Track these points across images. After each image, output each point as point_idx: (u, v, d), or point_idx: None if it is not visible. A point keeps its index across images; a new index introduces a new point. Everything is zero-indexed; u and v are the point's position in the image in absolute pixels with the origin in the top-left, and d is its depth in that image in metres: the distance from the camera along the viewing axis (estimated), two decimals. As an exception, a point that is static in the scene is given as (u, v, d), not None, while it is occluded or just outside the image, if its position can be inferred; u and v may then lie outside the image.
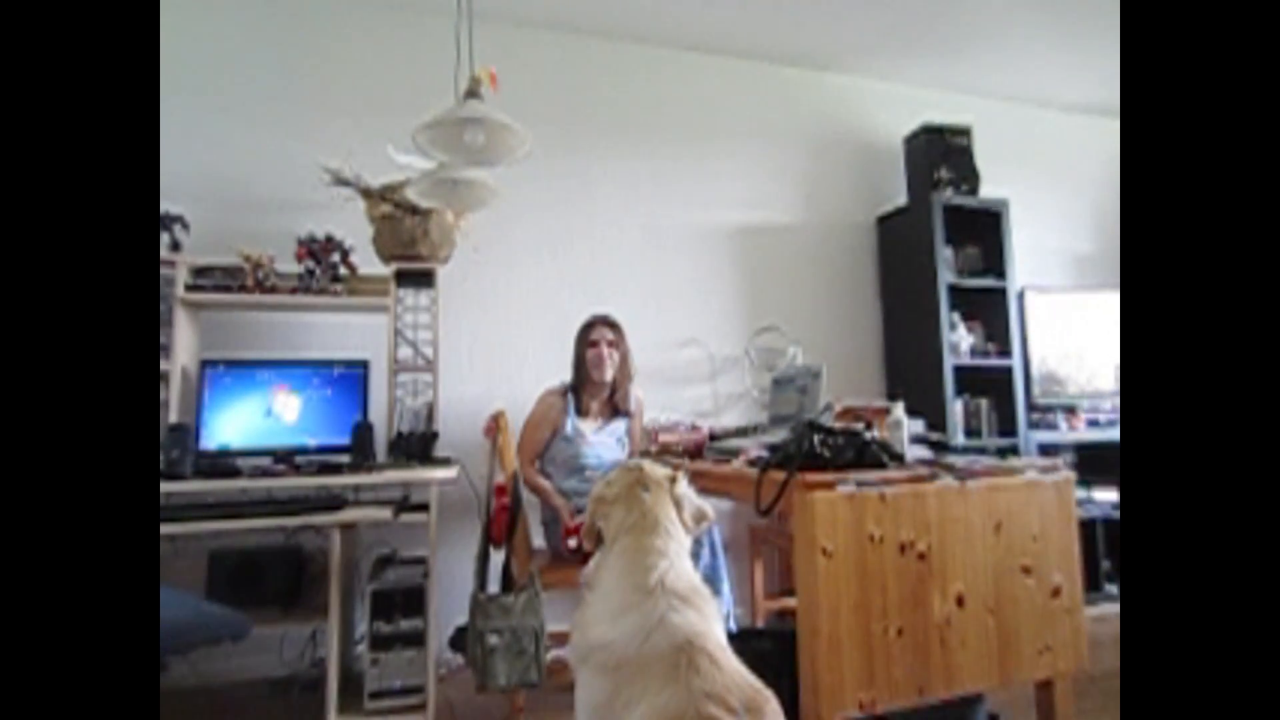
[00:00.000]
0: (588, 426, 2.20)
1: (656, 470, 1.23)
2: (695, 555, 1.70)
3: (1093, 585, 2.71)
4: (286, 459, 2.00)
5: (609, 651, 0.92)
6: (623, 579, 1.01)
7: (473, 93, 1.48)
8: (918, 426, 1.77)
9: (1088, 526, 2.77)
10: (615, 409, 2.26)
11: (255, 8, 2.51)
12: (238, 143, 2.43)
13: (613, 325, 2.23)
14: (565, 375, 2.27)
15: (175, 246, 2.12)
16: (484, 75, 1.51)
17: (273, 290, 2.13)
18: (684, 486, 1.22)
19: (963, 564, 1.45)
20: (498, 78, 1.64)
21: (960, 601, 1.44)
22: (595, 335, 2.20)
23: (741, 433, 2.28)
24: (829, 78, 3.23)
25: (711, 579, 1.88)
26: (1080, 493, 2.72)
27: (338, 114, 2.52)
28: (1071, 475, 1.61)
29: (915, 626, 1.39)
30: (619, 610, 0.97)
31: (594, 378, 2.18)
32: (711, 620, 0.97)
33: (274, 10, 2.53)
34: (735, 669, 0.91)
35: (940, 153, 2.96)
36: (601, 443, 2.19)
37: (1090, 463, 3.00)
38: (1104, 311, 3.21)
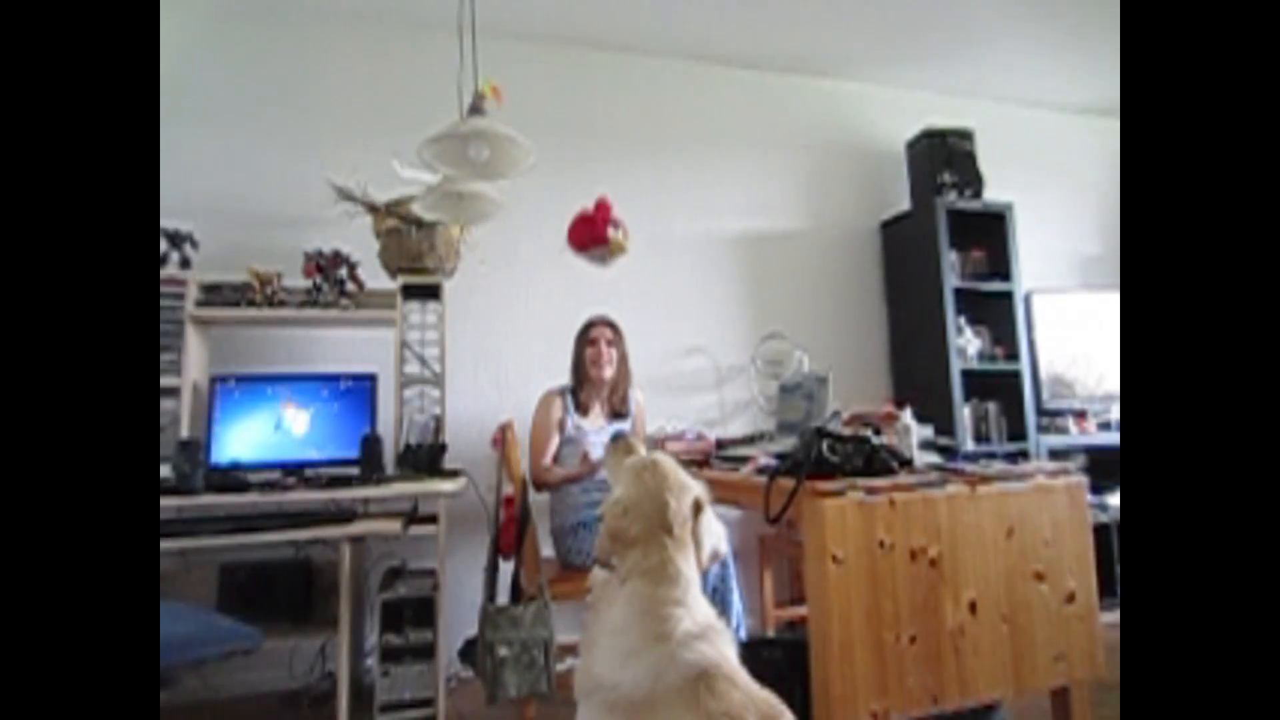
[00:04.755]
0: (590, 425, 2.21)
1: (683, 506, 1.09)
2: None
3: (1108, 591, 2.67)
4: (296, 472, 2.01)
5: (616, 693, 0.90)
6: (635, 624, 0.96)
7: (476, 107, 1.49)
8: (926, 432, 1.76)
9: (1101, 531, 2.74)
10: (615, 410, 2.26)
11: (261, 27, 2.55)
12: (245, 161, 2.47)
13: (611, 325, 2.25)
14: (568, 380, 2.28)
15: (185, 264, 2.14)
16: (487, 89, 1.53)
17: (281, 306, 2.15)
18: (707, 520, 1.13)
19: (975, 570, 1.44)
20: (501, 91, 1.66)
21: (973, 608, 1.42)
22: (595, 334, 2.21)
23: (749, 441, 2.27)
24: (830, 84, 3.24)
25: (721, 589, 1.87)
26: (1092, 497, 2.70)
27: (343, 130, 2.55)
28: (1083, 479, 1.60)
29: (928, 634, 1.38)
30: (630, 652, 0.93)
31: (593, 376, 2.19)
32: (725, 649, 0.96)
33: (280, 30, 2.57)
34: (750, 686, 0.91)
35: (943, 157, 2.96)
36: (604, 442, 2.19)
37: (1102, 467, 2.97)
38: (1112, 313, 3.19)
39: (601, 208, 2.07)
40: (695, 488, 1.13)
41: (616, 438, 1.37)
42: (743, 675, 0.92)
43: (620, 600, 1.01)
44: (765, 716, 0.87)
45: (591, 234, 2.06)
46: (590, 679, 0.95)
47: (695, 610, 0.99)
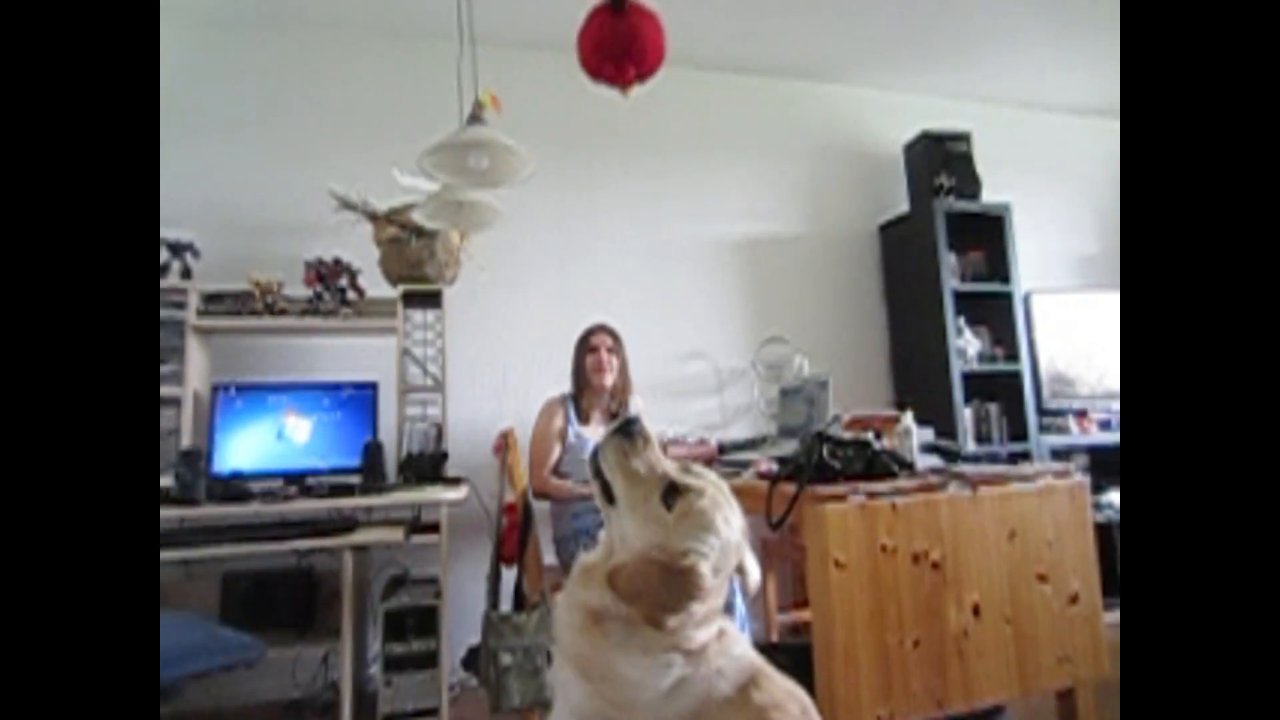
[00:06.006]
0: (591, 433, 2.21)
1: (743, 550, 0.96)
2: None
3: (1113, 590, 2.66)
4: (298, 481, 2.01)
5: None
6: (673, 654, 0.85)
7: (475, 117, 1.50)
8: (927, 435, 1.76)
9: (1105, 530, 2.73)
10: (616, 417, 2.26)
11: (261, 37, 2.56)
12: (246, 170, 2.48)
13: (611, 333, 2.26)
14: (568, 388, 2.28)
15: (186, 274, 2.15)
16: (486, 99, 1.54)
17: (282, 314, 2.16)
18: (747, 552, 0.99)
19: (977, 573, 1.44)
20: (500, 100, 1.67)
21: (976, 611, 1.42)
22: (595, 341, 2.22)
23: (750, 445, 2.28)
24: (827, 89, 3.25)
25: (726, 592, 1.87)
26: (1094, 496, 2.69)
27: (344, 140, 2.56)
28: (1084, 479, 1.60)
29: (932, 637, 1.38)
30: (678, 683, 0.83)
31: (594, 383, 2.20)
32: (749, 645, 0.95)
33: (280, 39, 2.58)
34: (781, 677, 0.91)
35: (940, 159, 2.97)
36: None
37: (1104, 465, 2.96)
38: (1112, 311, 3.20)
39: (642, 51, 1.44)
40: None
41: (626, 428, 0.96)
42: (772, 668, 0.92)
43: (648, 636, 0.85)
44: (803, 707, 0.88)
45: (609, 76, 1.45)
46: (614, 707, 0.84)
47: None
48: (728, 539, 0.90)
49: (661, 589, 0.82)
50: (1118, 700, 1.80)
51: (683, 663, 0.83)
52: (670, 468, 0.94)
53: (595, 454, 0.95)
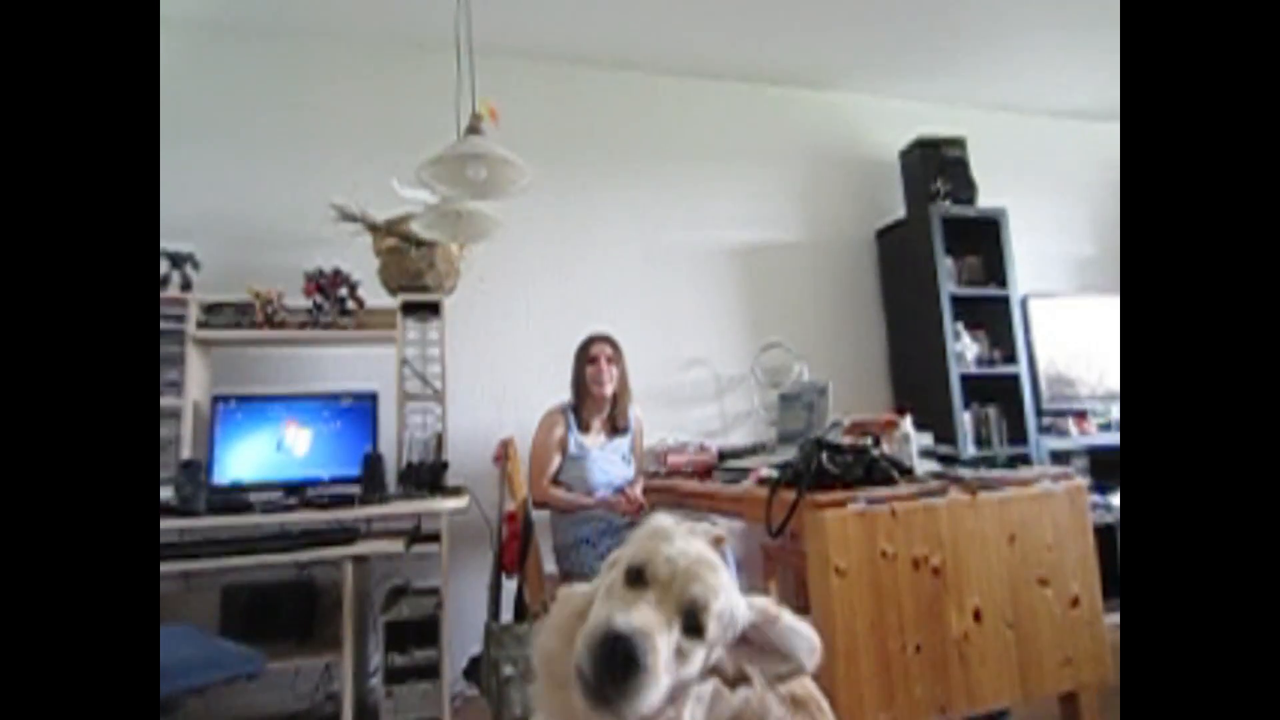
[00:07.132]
0: (591, 443, 2.22)
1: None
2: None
3: (1114, 593, 2.66)
4: (298, 492, 2.01)
5: None
6: (703, 688, 0.80)
7: (474, 129, 1.51)
8: (926, 440, 1.77)
9: (1105, 533, 2.73)
10: (615, 426, 2.27)
11: (261, 47, 2.58)
12: (246, 181, 2.49)
13: (611, 342, 2.26)
14: (568, 397, 2.29)
15: (186, 285, 2.15)
16: (484, 110, 1.56)
17: (282, 325, 2.16)
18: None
19: (978, 577, 1.44)
20: (498, 111, 1.68)
21: (977, 616, 1.42)
22: (595, 351, 2.23)
23: (750, 452, 2.28)
24: (823, 95, 3.27)
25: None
26: (1095, 498, 2.69)
27: (343, 151, 2.57)
28: (1083, 482, 1.60)
29: (933, 643, 1.38)
30: (710, 708, 0.80)
31: (594, 393, 2.20)
32: None
33: (279, 51, 2.60)
34: None
35: (936, 165, 2.99)
36: (606, 459, 2.20)
37: (1104, 467, 2.97)
38: (1109, 313, 3.21)
39: None
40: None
41: (633, 658, 0.62)
42: None
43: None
44: (820, 704, 0.89)
45: None
46: None
47: None
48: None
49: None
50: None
51: (712, 683, 0.79)
52: (659, 616, 0.67)
53: (597, 691, 0.63)
